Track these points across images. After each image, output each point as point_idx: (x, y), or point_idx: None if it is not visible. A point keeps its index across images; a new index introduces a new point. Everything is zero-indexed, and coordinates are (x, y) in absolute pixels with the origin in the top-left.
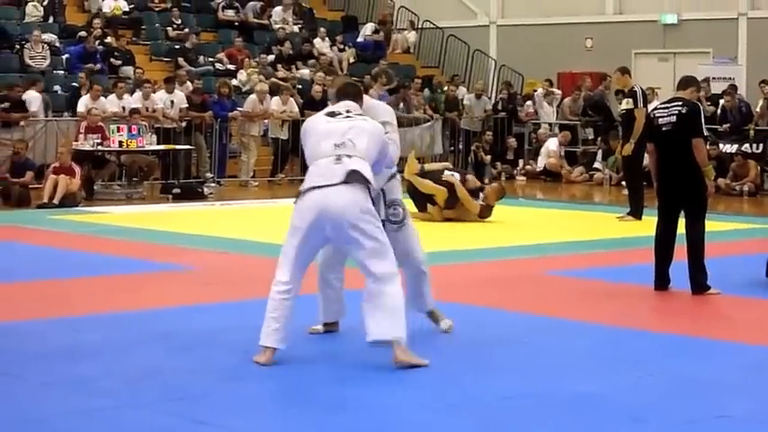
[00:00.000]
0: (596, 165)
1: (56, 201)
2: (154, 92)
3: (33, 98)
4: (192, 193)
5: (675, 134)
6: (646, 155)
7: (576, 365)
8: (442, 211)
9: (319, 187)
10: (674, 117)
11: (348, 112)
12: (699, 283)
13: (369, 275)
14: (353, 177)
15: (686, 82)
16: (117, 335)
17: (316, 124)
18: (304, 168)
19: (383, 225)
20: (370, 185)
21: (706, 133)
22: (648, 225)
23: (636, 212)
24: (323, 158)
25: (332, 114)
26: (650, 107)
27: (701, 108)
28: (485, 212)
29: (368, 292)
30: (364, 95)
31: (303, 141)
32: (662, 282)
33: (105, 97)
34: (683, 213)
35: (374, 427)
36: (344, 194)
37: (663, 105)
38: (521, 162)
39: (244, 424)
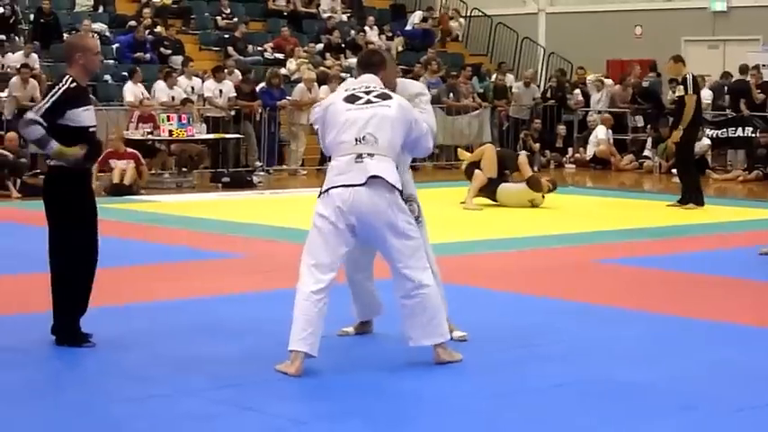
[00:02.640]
0: (646, 152)
1: (126, 182)
2: (203, 81)
3: (128, 89)
4: (241, 182)
5: None
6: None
7: (625, 354)
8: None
9: (344, 186)
10: None
11: (369, 92)
12: None
13: (401, 276)
14: (375, 181)
15: None
16: (166, 323)
17: (336, 113)
18: None
19: None
20: (395, 187)
21: None
22: (697, 213)
23: (697, 199)
24: (344, 155)
25: (352, 99)
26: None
27: None
28: (534, 184)
29: (404, 293)
30: (398, 79)
31: (322, 126)
32: None
33: (149, 87)
34: None
35: (424, 415)
36: (370, 194)
37: None
38: (570, 150)
39: (292, 411)
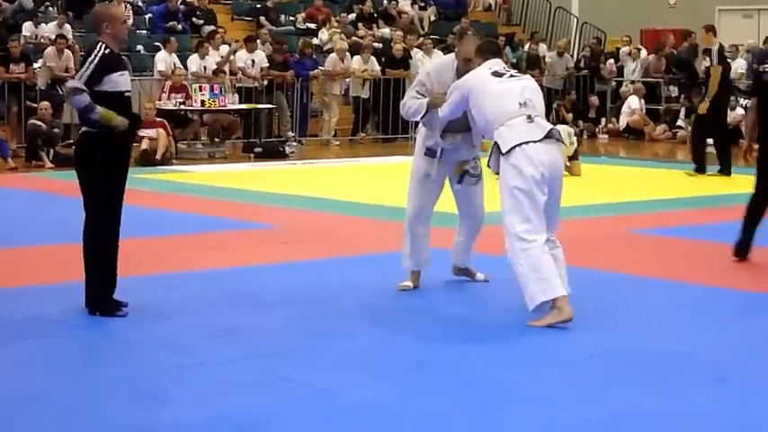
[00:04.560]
0: (679, 122)
1: (158, 157)
2: (235, 51)
3: (160, 58)
4: (273, 152)
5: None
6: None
7: (660, 324)
8: None
9: (530, 142)
10: None
11: (507, 70)
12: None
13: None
14: (553, 134)
15: None
16: (200, 293)
17: (487, 84)
18: (384, 127)
19: (462, 178)
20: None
21: None
22: (734, 183)
23: (724, 168)
24: (513, 118)
25: (497, 74)
26: (735, 65)
27: None
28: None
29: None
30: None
31: (473, 102)
32: (741, 250)
33: (182, 57)
34: None
35: (459, 384)
36: (551, 149)
37: None
38: (603, 120)
39: (327, 381)
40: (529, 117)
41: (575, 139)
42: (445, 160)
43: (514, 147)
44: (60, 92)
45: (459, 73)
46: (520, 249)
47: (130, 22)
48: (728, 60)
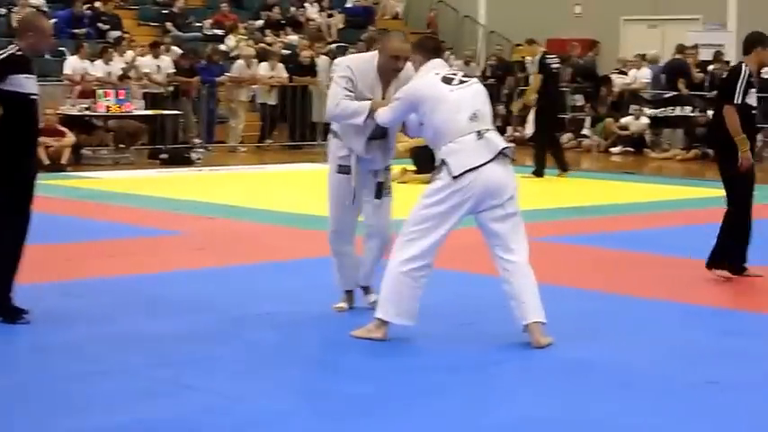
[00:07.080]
0: (584, 131)
1: (64, 161)
2: (141, 55)
3: (70, 63)
4: (179, 159)
5: (716, 99)
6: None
7: (566, 332)
8: None
9: (476, 168)
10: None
11: (455, 74)
12: (713, 260)
13: (505, 252)
14: (503, 152)
15: (747, 44)
16: (104, 300)
17: (440, 93)
18: (293, 135)
19: (380, 192)
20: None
21: (741, 101)
22: (638, 191)
23: (538, 170)
24: (464, 135)
25: (447, 80)
26: (639, 74)
27: (744, 70)
28: None
29: (507, 273)
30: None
31: (425, 110)
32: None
33: (92, 62)
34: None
35: (365, 392)
36: (500, 171)
37: None
38: (509, 129)
39: (231, 388)
40: (479, 133)
41: None
42: (360, 170)
43: (465, 173)
44: None
45: (381, 71)
46: (395, 264)
47: None
48: (553, 69)
